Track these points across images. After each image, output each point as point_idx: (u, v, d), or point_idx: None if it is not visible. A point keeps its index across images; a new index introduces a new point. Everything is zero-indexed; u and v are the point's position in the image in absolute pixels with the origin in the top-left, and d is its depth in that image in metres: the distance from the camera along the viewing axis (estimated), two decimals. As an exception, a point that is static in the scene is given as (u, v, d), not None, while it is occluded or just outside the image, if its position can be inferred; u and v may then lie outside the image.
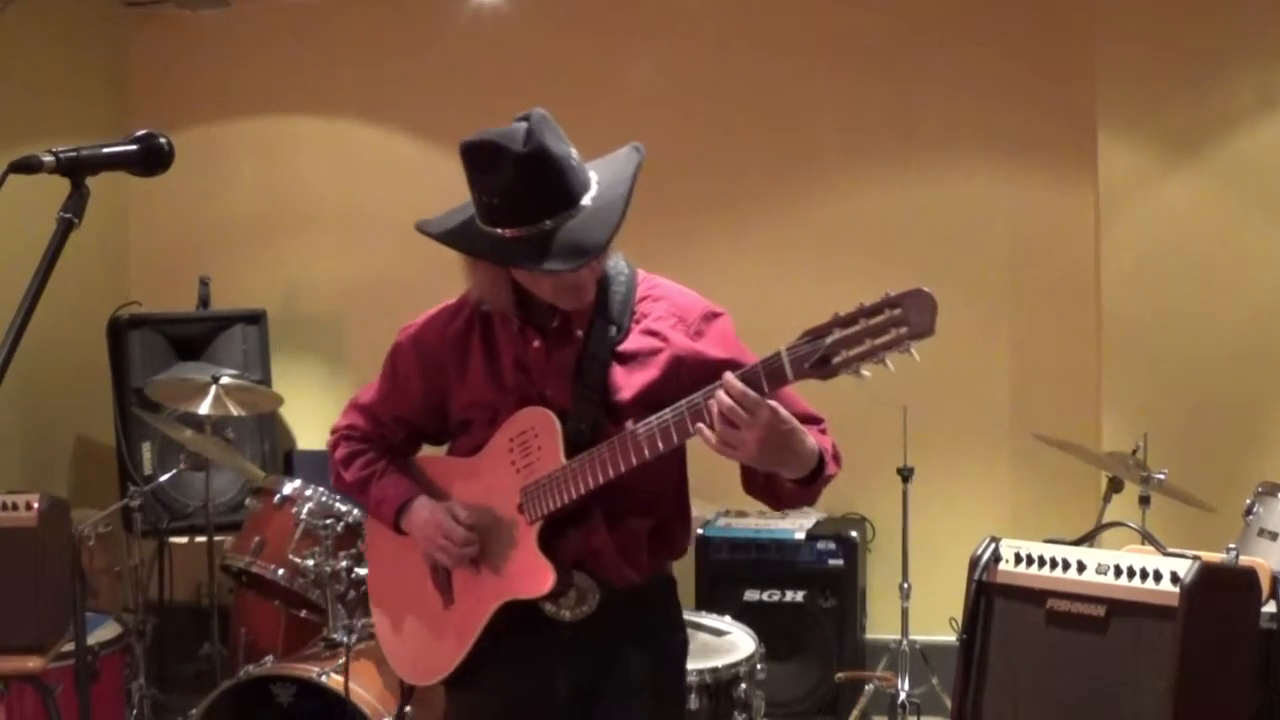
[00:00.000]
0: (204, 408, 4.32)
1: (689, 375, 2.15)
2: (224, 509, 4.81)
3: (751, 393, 1.93)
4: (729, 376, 1.95)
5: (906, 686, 4.38)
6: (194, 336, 5.21)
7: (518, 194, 2.06)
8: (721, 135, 5.21)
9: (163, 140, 1.70)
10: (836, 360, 1.87)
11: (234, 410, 4.36)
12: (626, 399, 2.19)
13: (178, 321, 5.20)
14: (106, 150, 1.65)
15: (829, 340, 1.87)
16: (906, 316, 1.82)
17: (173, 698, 4.54)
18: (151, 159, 1.70)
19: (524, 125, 2.07)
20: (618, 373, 2.21)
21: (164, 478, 4.39)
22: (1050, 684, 2.38)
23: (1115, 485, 3.92)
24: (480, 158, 2.09)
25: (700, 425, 1.98)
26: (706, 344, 2.23)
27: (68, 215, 1.58)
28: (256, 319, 5.27)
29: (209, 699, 3.66)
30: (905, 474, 4.48)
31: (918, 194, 5.07)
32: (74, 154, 1.60)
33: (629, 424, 2.12)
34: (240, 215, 5.64)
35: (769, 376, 1.93)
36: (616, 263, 2.28)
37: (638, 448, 2.07)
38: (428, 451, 2.50)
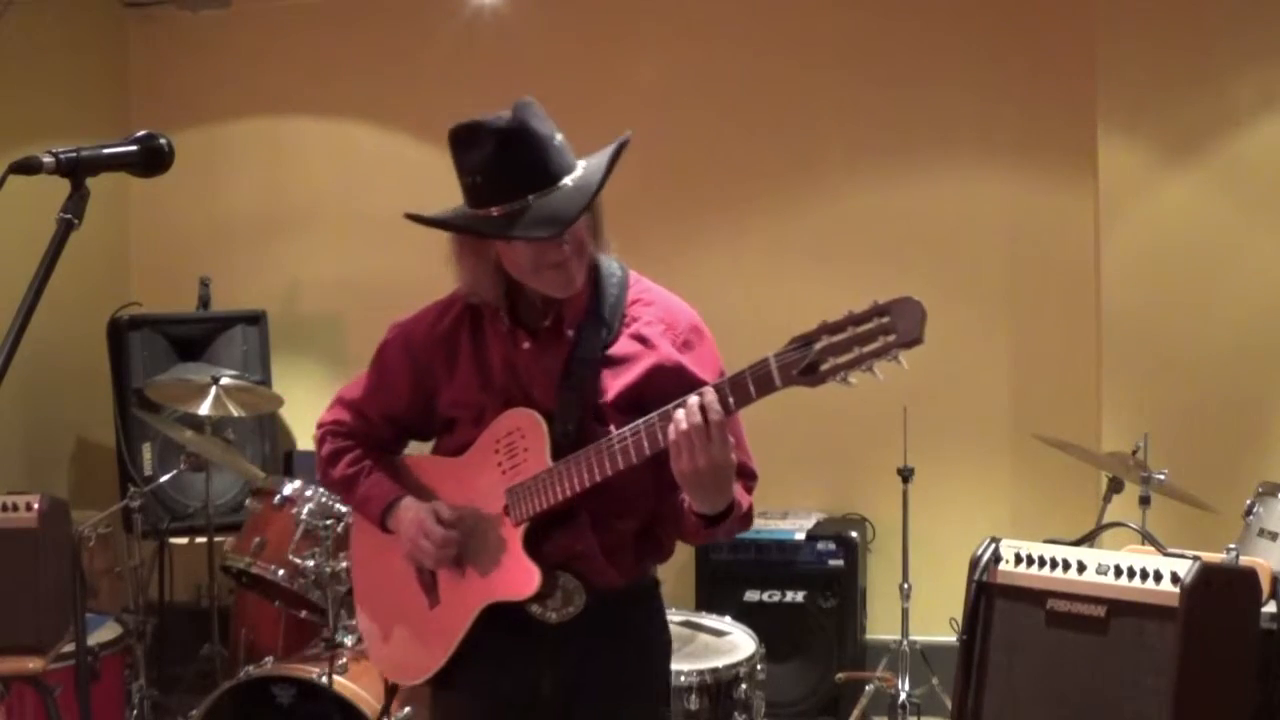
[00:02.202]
0: (204, 408, 4.32)
1: (672, 384, 2.15)
2: (224, 510, 4.81)
3: (717, 415, 1.95)
4: (709, 391, 1.97)
5: (907, 687, 4.38)
6: (194, 337, 5.21)
7: (497, 169, 2.08)
8: (721, 136, 5.21)
9: (163, 141, 1.70)
10: (824, 368, 1.87)
11: (234, 411, 4.36)
12: (611, 402, 2.19)
13: (178, 322, 5.20)
14: (107, 151, 1.65)
15: (817, 347, 1.87)
16: (895, 324, 1.82)
17: (173, 698, 4.54)
18: (152, 160, 1.70)
19: (508, 110, 2.11)
20: (605, 376, 2.21)
21: (164, 478, 4.38)
22: (1050, 684, 2.38)
23: (1115, 485, 3.92)
24: (464, 137, 2.11)
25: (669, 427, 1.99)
26: (693, 360, 2.23)
27: (68, 216, 1.58)
28: (257, 320, 5.27)
29: (209, 700, 3.66)
30: (905, 474, 4.48)
31: (917, 194, 5.07)
32: (74, 155, 1.60)
33: (612, 427, 2.12)
34: (241, 216, 5.64)
35: (756, 382, 1.93)
36: (609, 264, 2.28)
37: (624, 452, 2.07)
38: (414, 449, 2.50)
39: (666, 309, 2.29)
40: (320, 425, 2.47)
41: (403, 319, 2.40)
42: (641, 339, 2.24)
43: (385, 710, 3.35)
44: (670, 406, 2.02)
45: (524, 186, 2.07)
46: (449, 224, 2.17)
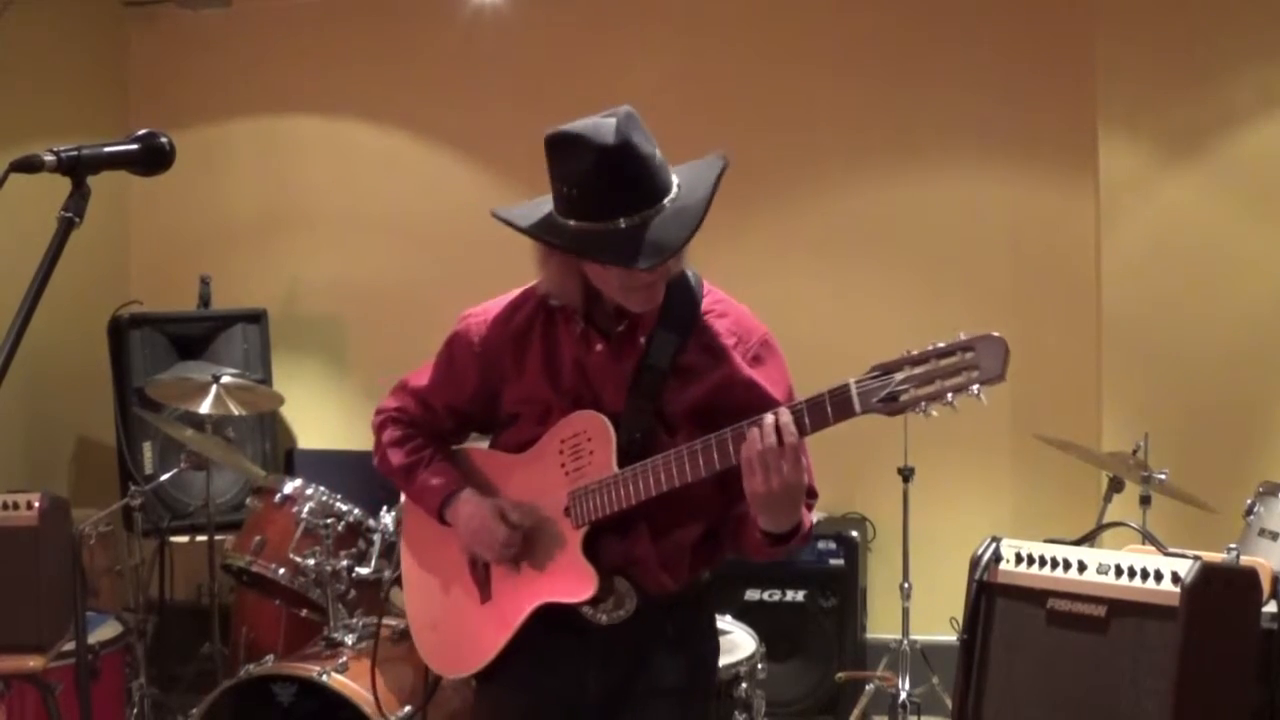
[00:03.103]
0: (205, 407, 4.32)
1: (741, 398, 2.16)
2: (225, 508, 4.81)
3: (792, 437, 1.97)
4: (784, 412, 1.98)
5: (907, 686, 4.38)
6: (195, 336, 5.21)
7: (598, 186, 2.05)
8: (721, 135, 5.16)
9: (164, 139, 1.70)
10: (905, 398, 1.90)
11: (235, 410, 4.36)
12: (679, 411, 2.20)
13: (179, 321, 5.20)
14: (108, 149, 1.65)
15: (899, 377, 1.90)
16: (979, 361, 1.87)
17: (173, 697, 4.54)
18: (152, 158, 1.70)
19: (612, 120, 2.08)
20: (674, 385, 2.21)
21: (165, 477, 4.38)
22: (1051, 684, 2.37)
23: (1116, 485, 3.92)
24: (563, 147, 2.08)
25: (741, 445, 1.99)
26: (763, 374, 2.24)
27: (69, 214, 1.58)
28: (257, 318, 5.27)
29: (209, 698, 3.66)
30: (906, 474, 4.48)
31: (918, 193, 5.07)
32: (75, 153, 1.60)
33: (679, 437, 2.13)
34: (241, 215, 5.64)
35: (835, 406, 1.95)
36: (685, 272, 2.27)
37: (693, 464, 2.06)
38: (473, 441, 2.49)
39: (738, 321, 2.29)
40: (381, 411, 2.46)
41: (474, 310, 2.38)
42: (713, 350, 2.24)
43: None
44: (745, 424, 2.02)
45: (625, 207, 2.05)
46: (550, 240, 2.14)
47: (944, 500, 4.85)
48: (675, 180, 2.14)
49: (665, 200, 2.09)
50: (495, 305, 2.36)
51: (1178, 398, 4.56)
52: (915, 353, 1.89)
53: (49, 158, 1.58)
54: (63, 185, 1.60)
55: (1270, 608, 2.83)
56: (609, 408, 2.21)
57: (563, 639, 2.24)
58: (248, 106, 5.65)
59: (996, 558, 2.50)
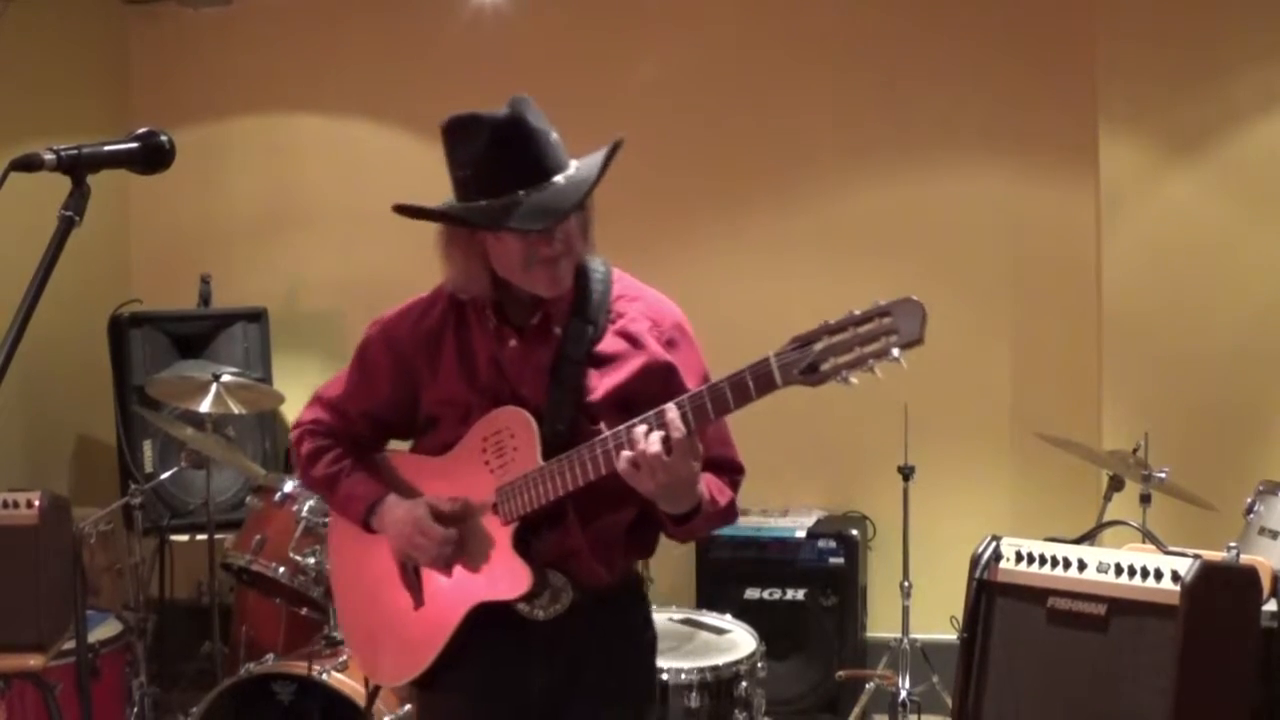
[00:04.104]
0: (205, 406, 4.32)
1: (660, 382, 2.17)
2: (225, 507, 4.81)
3: (680, 435, 1.96)
4: (670, 409, 1.98)
5: (907, 685, 4.39)
6: (195, 334, 5.20)
7: (491, 162, 2.08)
8: (721, 134, 5.21)
9: (164, 138, 1.70)
10: (825, 367, 1.88)
11: (235, 408, 4.36)
12: (600, 400, 2.19)
13: (179, 319, 5.20)
14: (108, 148, 1.65)
15: (818, 347, 1.88)
16: (896, 325, 1.83)
17: (173, 695, 4.55)
18: (152, 157, 1.69)
19: (508, 104, 2.11)
20: (592, 374, 2.21)
21: (165, 475, 4.39)
22: (1051, 682, 2.38)
23: (1116, 484, 3.92)
24: (459, 131, 2.12)
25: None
26: (679, 358, 2.24)
27: (69, 213, 1.58)
28: (258, 317, 5.27)
29: (210, 697, 3.67)
30: (906, 472, 4.48)
31: (918, 192, 5.07)
32: (75, 152, 1.60)
33: (603, 425, 2.13)
34: (241, 213, 5.64)
35: (757, 382, 1.93)
36: (594, 261, 2.28)
37: (619, 452, 2.06)
38: (394, 448, 2.48)
39: (651, 306, 2.29)
40: (298, 425, 2.45)
41: (385, 315, 2.38)
42: (628, 336, 2.24)
43: (369, 708, 3.34)
44: (645, 418, 2.02)
45: (517, 181, 2.07)
46: (440, 215, 2.17)
47: (944, 499, 4.85)
48: (574, 163, 2.15)
49: (560, 176, 2.11)
50: (405, 308, 2.36)
51: (1178, 396, 4.56)
52: (833, 321, 1.88)
53: (49, 156, 1.57)
54: (63, 184, 1.60)
55: (1270, 606, 2.84)
56: (529, 402, 2.21)
57: (502, 638, 2.23)
58: (248, 105, 5.65)
59: (997, 556, 2.51)
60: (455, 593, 2.25)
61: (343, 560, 2.51)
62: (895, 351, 1.83)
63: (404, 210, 2.18)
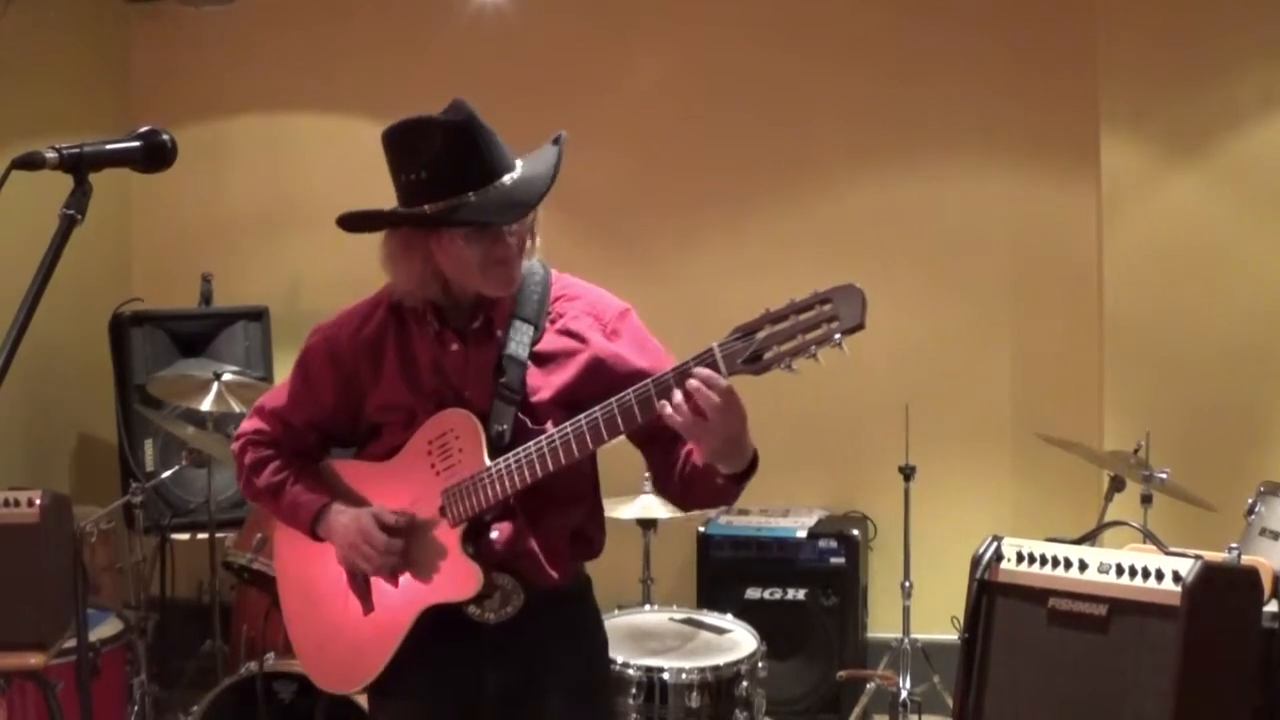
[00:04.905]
0: (206, 404, 4.32)
1: (606, 376, 2.16)
2: (226, 505, 4.80)
3: (718, 376, 1.93)
4: (701, 369, 1.94)
5: (908, 685, 4.39)
6: (196, 333, 5.20)
7: (445, 163, 2.08)
8: (722, 133, 5.21)
9: (165, 137, 1.70)
10: (769, 355, 1.89)
11: (236, 407, 4.35)
12: (545, 399, 2.19)
13: (180, 318, 5.20)
14: (109, 147, 1.65)
15: (761, 335, 1.89)
16: (837, 311, 1.85)
17: (174, 694, 4.54)
18: (154, 155, 1.70)
19: (449, 108, 2.12)
20: (536, 374, 2.21)
21: (166, 474, 4.38)
22: (1052, 683, 2.38)
23: (1117, 484, 3.92)
24: (408, 135, 2.11)
25: (665, 403, 1.96)
26: (624, 346, 2.23)
27: (70, 212, 1.58)
28: (259, 316, 5.26)
29: (210, 695, 3.67)
30: (907, 472, 4.48)
31: (919, 192, 5.07)
32: (77, 150, 1.60)
33: (549, 424, 2.12)
34: (243, 212, 5.64)
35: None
36: (532, 264, 2.27)
37: (566, 448, 2.06)
38: (337, 455, 2.47)
39: (591, 303, 2.29)
40: (239, 436, 2.44)
41: (324, 323, 2.38)
42: (570, 334, 2.24)
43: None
44: (611, 402, 2.00)
45: (469, 182, 2.08)
46: (405, 219, 2.14)
47: (945, 499, 4.85)
48: (519, 163, 2.16)
49: (512, 174, 2.11)
50: (345, 316, 2.36)
51: (1179, 397, 4.56)
52: (774, 310, 1.89)
53: (51, 155, 1.57)
54: (64, 182, 1.60)
55: (1271, 607, 2.83)
56: (474, 404, 2.20)
57: (453, 642, 2.22)
58: (250, 104, 5.65)
59: (998, 556, 2.51)
60: (404, 597, 2.24)
61: (290, 570, 2.50)
62: (837, 337, 1.83)
63: (354, 218, 2.19)
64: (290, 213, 5.61)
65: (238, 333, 5.21)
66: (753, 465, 2.11)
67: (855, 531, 4.72)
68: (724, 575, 4.70)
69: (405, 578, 2.25)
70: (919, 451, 4.49)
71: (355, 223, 2.21)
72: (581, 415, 2.05)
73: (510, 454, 2.11)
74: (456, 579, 2.18)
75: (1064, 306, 4.93)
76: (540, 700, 2.24)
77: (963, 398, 4.97)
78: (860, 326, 1.83)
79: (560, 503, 2.22)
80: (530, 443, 2.10)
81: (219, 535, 4.46)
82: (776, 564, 4.67)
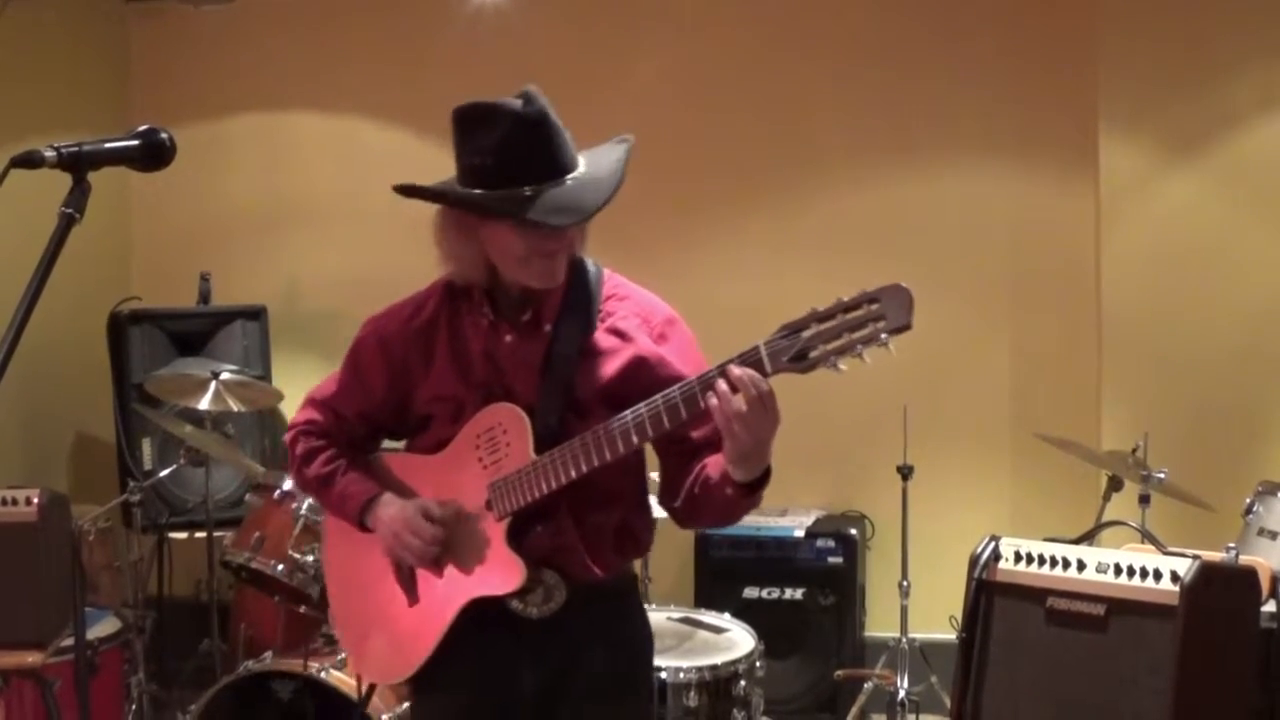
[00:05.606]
0: (204, 403, 4.32)
1: (649, 376, 2.17)
2: (224, 504, 4.80)
3: (760, 377, 1.93)
4: (741, 369, 1.95)
5: (905, 684, 4.39)
6: (194, 332, 5.20)
7: (511, 154, 2.07)
8: (722, 133, 5.21)
9: (164, 135, 1.70)
10: (814, 354, 1.89)
11: (234, 406, 4.36)
12: (591, 396, 2.20)
13: (178, 317, 5.20)
14: (108, 145, 1.65)
15: (806, 334, 1.90)
16: (884, 311, 1.84)
17: (172, 693, 4.54)
18: (153, 154, 1.69)
19: (520, 99, 2.11)
20: (583, 370, 2.22)
21: (164, 473, 4.38)
22: (1050, 682, 2.38)
23: (1115, 484, 3.92)
24: (476, 118, 2.11)
25: (710, 394, 1.96)
26: (670, 350, 2.24)
27: (69, 210, 1.58)
28: (257, 315, 5.26)
29: (208, 694, 3.66)
30: (905, 472, 4.48)
31: (919, 192, 5.07)
32: (76, 149, 1.60)
33: (594, 421, 2.12)
34: (241, 211, 5.64)
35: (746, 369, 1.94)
36: (585, 261, 2.29)
37: (610, 444, 2.07)
38: (388, 447, 2.49)
39: (641, 304, 2.30)
40: (292, 426, 2.46)
41: (377, 314, 2.39)
42: (619, 333, 2.25)
43: (364, 705, 3.33)
44: (657, 398, 2.01)
45: (535, 174, 2.08)
46: (460, 201, 2.15)
47: (943, 498, 4.85)
48: (582, 160, 2.16)
49: (575, 172, 2.12)
50: (396, 307, 2.37)
51: (1177, 397, 4.56)
52: (821, 309, 1.89)
53: (49, 154, 1.57)
54: (63, 181, 1.60)
55: (1269, 607, 2.84)
56: (521, 398, 2.21)
57: (495, 636, 2.23)
58: (248, 103, 5.64)
59: (996, 556, 2.51)
60: (449, 589, 2.25)
61: (337, 559, 2.52)
62: (884, 337, 1.84)
63: (411, 191, 2.18)
64: (289, 212, 5.61)
65: (236, 332, 5.21)
66: (763, 479, 2.12)
67: (853, 531, 4.72)
68: (722, 574, 4.70)
69: (450, 571, 2.26)
70: (917, 451, 4.49)
71: (410, 193, 2.20)
72: (627, 411, 2.06)
73: (556, 449, 2.12)
74: (500, 573, 2.19)
75: (1062, 306, 4.93)
76: (579, 696, 2.25)
77: (961, 397, 4.97)
78: (907, 327, 1.83)
79: (605, 499, 2.23)
80: (575, 438, 2.11)
81: (217, 534, 4.46)
82: (774, 563, 4.67)
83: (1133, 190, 4.67)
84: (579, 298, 2.25)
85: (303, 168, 5.61)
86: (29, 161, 1.56)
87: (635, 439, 2.06)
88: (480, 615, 2.22)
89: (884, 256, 4.99)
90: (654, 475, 2.35)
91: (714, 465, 2.17)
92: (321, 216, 5.58)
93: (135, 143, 1.68)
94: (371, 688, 3.29)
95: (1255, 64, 4.54)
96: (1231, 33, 4.53)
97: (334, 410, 2.41)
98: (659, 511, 2.38)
